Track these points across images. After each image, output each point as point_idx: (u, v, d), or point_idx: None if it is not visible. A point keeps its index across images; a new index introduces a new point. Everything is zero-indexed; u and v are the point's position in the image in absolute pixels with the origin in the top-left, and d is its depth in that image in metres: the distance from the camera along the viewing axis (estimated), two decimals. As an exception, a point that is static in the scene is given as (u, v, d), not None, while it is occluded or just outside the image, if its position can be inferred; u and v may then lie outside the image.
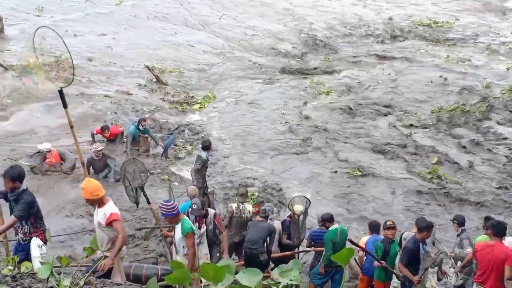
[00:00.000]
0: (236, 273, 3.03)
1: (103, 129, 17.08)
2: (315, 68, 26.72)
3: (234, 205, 11.77)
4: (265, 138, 19.46)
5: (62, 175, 15.16)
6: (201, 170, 13.65)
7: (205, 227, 10.33)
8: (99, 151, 14.93)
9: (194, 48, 27.75)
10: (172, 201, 8.58)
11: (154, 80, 23.33)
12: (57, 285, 4.52)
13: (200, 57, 26.87)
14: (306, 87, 24.16)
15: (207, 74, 25.10)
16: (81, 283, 4.76)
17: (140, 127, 16.69)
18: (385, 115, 21.58)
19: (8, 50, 23.95)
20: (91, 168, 14.97)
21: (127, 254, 12.15)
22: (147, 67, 23.71)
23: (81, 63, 23.62)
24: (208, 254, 10.34)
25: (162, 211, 8.44)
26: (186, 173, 16.03)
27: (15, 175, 8.04)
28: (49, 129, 18.25)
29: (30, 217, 8.17)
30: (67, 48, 9.27)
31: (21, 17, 28.50)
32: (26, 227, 8.28)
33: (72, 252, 11.52)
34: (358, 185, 16.73)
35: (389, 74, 25.71)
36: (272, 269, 10.57)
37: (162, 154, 17.07)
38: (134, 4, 32.27)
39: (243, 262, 10.77)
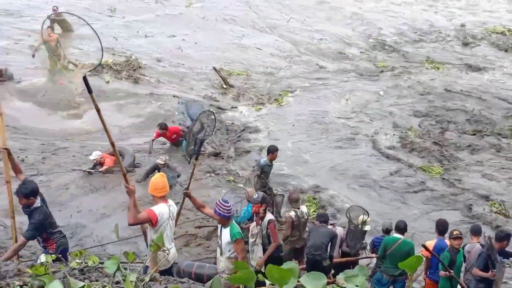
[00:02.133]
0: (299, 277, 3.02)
1: (160, 126, 16.85)
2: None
3: (292, 213, 11.63)
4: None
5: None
6: (260, 175, 13.69)
7: (259, 229, 10.28)
8: (162, 164, 14.80)
9: (262, 51, 27.83)
10: (230, 203, 8.54)
11: (221, 82, 23.55)
12: (123, 280, 4.60)
13: (267, 60, 26.92)
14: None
15: (274, 78, 25.10)
16: (146, 279, 4.82)
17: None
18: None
19: (80, 49, 24.62)
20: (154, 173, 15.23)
21: (189, 253, 12.35)
22: (214, 69, 23.96)
23: (150, 64, 24.11)
24: (262, 258, 10.32)
25: (217, 209, 8.37)
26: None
27: (28, 192, 8.16)
28: (120, 128, 18.65)
29: (42, 235, 8.38)
30: (95, 32, 9.11)
31: (94, 17, 29.23)
32: (40, 240, 8.57)
33: (136, 249, 11.76)
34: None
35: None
36: (333, 275, 10.52)
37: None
38: (203, 6, 32.62)
39: (303, 267, 10.72)
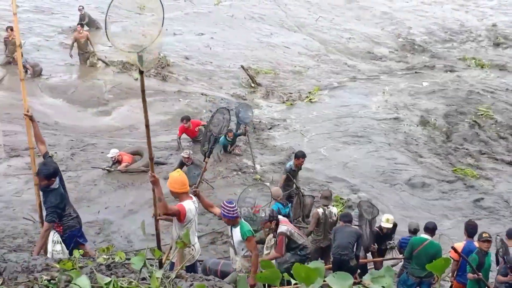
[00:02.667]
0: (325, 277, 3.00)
1: (182, 120, 16.88)
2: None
3: (320, 210, 11.63)
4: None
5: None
6: (287, 179, 13.67)
7: (273, 241, 10.25)
8: (186, 157, 14.95)
9: (290, 50, 27.78)
10: (234, 204, 8.50)
11: (249, 80, 23.57)
12: (149, 276, 4.62)
13: (295, 59, 26.86)
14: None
15: (302, 77, 25.05)
16: (172, 276, 4.84)
17: (228, 138, 16.82)
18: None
19: (110, 46, 24.82)
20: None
21: (215, 251, 12.37)
22: (242, 67, 23.99)
23: (178, 61, 24.23)
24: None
25: (223, 211, 8.37)
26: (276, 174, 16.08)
27: (50, 173, 8.21)
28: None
29: (60, 215, 8.33)
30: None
31: (124, 14, 29.45)
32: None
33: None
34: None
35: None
36: (359, 275, 10.47)
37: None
38: (231, 5, 32.66)
39: (330, 266, 10.68)
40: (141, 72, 7.20)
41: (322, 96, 22.90)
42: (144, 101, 7.35)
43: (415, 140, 19.28)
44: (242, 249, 8.56)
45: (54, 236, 8.24)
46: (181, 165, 15.14)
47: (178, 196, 8.21)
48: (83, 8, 25.12)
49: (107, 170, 15.43)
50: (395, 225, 12.09)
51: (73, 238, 8.61)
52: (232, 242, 8.67)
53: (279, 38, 29.10)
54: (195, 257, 8.49)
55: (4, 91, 19.08)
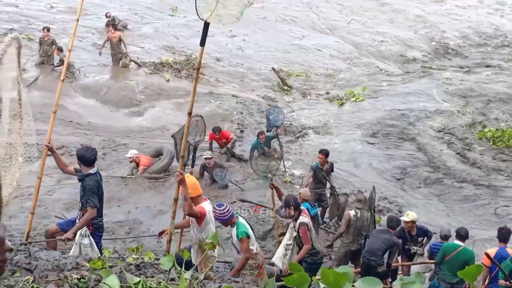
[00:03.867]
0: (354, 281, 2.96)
1: (214, 130, 16.86)
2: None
3: (352, 212, 11.53)
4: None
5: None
6: (314, 176, 13.65)
7: (294, 233, 10.10)
8: (208, 158, 14.94)
9: (321, 53, 27.70)
10: (225, 205, 8.43)
11: (280, 82, 23.55)
12: (178, 277, 4.62)
13: (327, 62, 26.78)
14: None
15: (334, 80, 24.94)
16: (201, 277, 4.84)
17: (260, 141, 16.81)
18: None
19: (142, 48, 25.02)
20: (204, 172, 15.34)
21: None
22: (273, 69, 23.97)
23: (209, 63, 24.28)
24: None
25: (215, 216, 8.36)
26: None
27: (92, 159, 8.35)
28: (179, 126, 18.80)
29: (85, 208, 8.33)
30: None
31: (156, 16, 29.71)
32: (79, 213, 8.58)
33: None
34: None
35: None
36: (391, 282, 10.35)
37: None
38: (263, 7, 32.68)
39: (359, 270, 10.59)
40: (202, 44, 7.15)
41: (354, 98, 22.74)
42: (195, 80, 7.33)
43: (457, 142, 18.99)
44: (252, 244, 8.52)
45: (82, 229, 8.28)
46: (203, 168, 15.17)
47: (193, 200, 8.22)
48: (110, 14, 25.45)
49: (126, 177, 15.39)
50: (424, 230, 11.90)
51: (100, 239, 8.68)
52: (232, 242, 8.67)
53: (310, 40, 29.03)
54: (217, 257, 8.50)
55: (38, 91, 19.30)
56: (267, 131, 16.89)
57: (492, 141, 18.96)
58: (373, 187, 12.10)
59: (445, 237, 11.26)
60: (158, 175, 15.51)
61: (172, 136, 10.35)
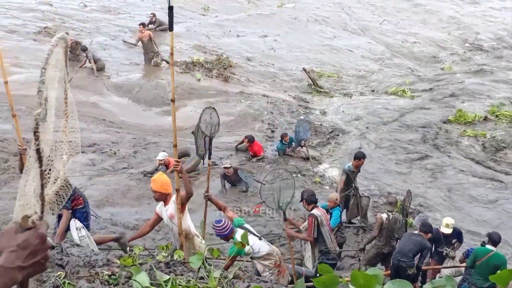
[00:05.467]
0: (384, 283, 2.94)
1: (248, 139, 16.76)
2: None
3: (384, 215, 11.46)
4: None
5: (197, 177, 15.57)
6: (346, 180, 13.54)
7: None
8: (227, 168, 14.84)
9: (353, 53, 27.57)
10: (223, 221, 8.39)
11: (311, 83, 23.50)
12: (207, 276, 4.64)
13: (359, 62, 26.64)
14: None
15: (366, 81, 24.79)
16: (230, 276, 4.84)
17: (284, 142, 16.84)
18: None
19: (173, 47, 25.12)
20: (225, 181, 15.19)
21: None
22: (304, 70, 23.93)
23: (240, 63, 24.34)
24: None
25: (215, 232, 8.41)
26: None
27: None
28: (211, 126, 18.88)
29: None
30: None
31: (188, 15, 29.84)
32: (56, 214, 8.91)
33: (220, 245, 11.86)
34: None
35: None
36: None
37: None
38: (295, 7, 32.65)
39: (389, 272, 10.53)
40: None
41: (387, 100, 22.60)
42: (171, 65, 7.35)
43: (491, 147, 18.73)
44: (258, 252, 8.44)
45: (76, 223, 8.50)
46: (224, 178, 15.11)
47: (166, 197, 8.50)
48: (154, 15, 25.69)
49: (150, 175, 15.41)
50: (458, 232, 11.77)
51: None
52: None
53: (342, 41, 28.91)
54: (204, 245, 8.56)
55: (71, 89, 19.56)
56: (296, 147, 16.92)
57: None
58: (408, 190, 12.01)
59: (482, 243, 11.07)
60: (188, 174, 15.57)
61: (192, 132, 10.43)
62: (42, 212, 1.93)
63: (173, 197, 8.38)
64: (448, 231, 11.41)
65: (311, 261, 10.09)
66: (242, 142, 17.04)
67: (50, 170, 2.10)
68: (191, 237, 8.21)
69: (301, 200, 10.34)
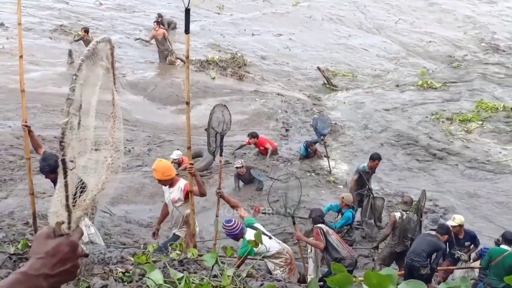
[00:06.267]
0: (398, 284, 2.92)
1: (251, 135, 16.70)
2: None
3: (398, 214, 11.44)
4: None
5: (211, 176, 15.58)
6: (358, 180, 13.51)
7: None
8: (238, 167, 14.85)
9: (368, 52, 27.47)
10: (233, 221, 8.41)
11: (325, 82, 23.45)
12: (220, 274, 4.64)
13: (374, 62, 26.54)
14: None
15: (381, 80, 24.69)
16: (243, 274, 4.84)
17: (309, 150, 16.74)
18: None
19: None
20: (239, 181, 15.22)
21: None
22: (318, 68, 23.88)
23: (255, 61, 24.35)
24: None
25: (225, 232, 8.42)
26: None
27: (53, 167, 7.88)
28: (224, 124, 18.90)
29: None
30: None
31: (203, 14, 29.89)
32: None
33: (234, 243, 11.87)
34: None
35: None
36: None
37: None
38: (309, 6, 32.61)
39: (402, 272, 10.49)
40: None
41: (402, 100, 22.47)
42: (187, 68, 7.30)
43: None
44: (268, 251, 8.43)
45: (85, 221, 8.44)
46: (238, 177, 15.13)
47: (172, 180, 8.73)
48: (160, 16, 25.76)
49: None
50: (472, 235, 11.68)
51: None
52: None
53: (357, 40, 28.82)
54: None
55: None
56: (316, 142, 16.71)
57: None
58: (423, 190, 11.96)
59: (497, 242, 10.97)
60: (201, 173, 15.61)
61: (206, 129, 10.47)
62: (69, 222, 1.89)
63: (179, 183, 8.70)
64: (453, 223, 11.32)
65: (314, 270, 10.07)
66: (244, 145, 17.03)
67: (81, 186, 2.06)
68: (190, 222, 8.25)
69: (309, 218, 10.49)
